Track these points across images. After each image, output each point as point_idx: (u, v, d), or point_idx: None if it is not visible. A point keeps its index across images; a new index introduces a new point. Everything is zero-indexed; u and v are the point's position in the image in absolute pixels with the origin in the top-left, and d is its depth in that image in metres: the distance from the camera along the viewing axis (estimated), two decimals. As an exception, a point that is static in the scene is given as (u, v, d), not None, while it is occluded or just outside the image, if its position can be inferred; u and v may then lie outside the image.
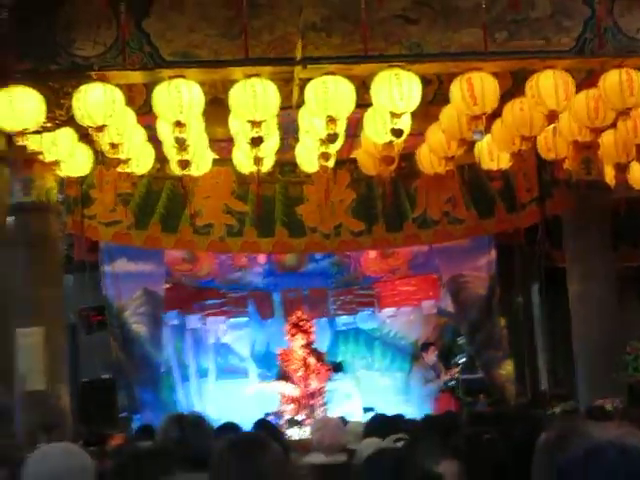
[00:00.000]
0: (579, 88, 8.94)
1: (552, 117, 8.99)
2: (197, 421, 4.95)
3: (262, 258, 15.24)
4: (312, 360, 15.14)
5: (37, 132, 8.58)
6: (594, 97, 9.02)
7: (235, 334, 15.94)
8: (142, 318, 14.21)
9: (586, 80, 9.11)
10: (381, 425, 7.23)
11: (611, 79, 8.71)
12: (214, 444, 4.48)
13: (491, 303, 14.89)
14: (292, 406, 14.82)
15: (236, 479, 3.13)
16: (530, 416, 7.90)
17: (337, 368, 15.59)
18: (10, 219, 9.80)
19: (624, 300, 14.15)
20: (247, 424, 8.23)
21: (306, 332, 15.20)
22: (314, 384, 14.98)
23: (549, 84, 8.69)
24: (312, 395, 14.98)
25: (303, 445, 8.52)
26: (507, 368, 15.01)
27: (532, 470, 3.59)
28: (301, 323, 15.19)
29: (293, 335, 15.15)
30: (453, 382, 15.51)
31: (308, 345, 15.21)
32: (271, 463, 3.75)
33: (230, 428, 7.41)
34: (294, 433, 13.28)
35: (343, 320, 16.16)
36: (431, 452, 4.50)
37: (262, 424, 9.70)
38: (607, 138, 9.87)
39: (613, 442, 1.55)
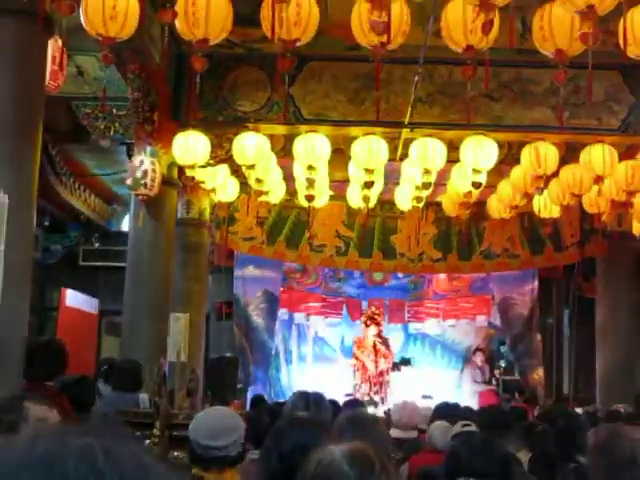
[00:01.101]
0: (620, 159, 8.84)
1: (598, 180, 8.91)
2: (319, 398, 5.04)
3: (357, 273, 15.29)
4: (381, 347, 15.28)
5: (202, 167, 8.67)
6: (632, 167, 8.92)
7: (330, 330, 16.03)
8: (261, 312, 14.34)
9: (626, 153, 9.02)
10: (447, 411, 7.23)
11: (647, 153, 8.69)
12: (335, 417, 4.59)
13: (531, 322, 14.73)
14: (366, 385, 14.94)
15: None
16: (568, 413, 7.89)
17: (406, 362, 15.63)
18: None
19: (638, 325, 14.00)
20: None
21: (378, 323, 15.44)
22: (382, 365, 15.09)
23: (598, 155, 8.65)
24: (381, 374, 15.07)
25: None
26: (539, 374, 14.83)
27: (587, 463, 3.60)
28: (374, 316, 15.35)
29: (367, 326, 15.35)
30: (494, 381, 15.45)
31: (379, 334, 15.40)
32: (380, 435, 3.85)
33: (337, 405, 7.53)
34: (371, 411, 13.26)
35: (414, 326, 16.16)
36: (513, 441, 4.50)
37: (355, 403, 9.77)
38: (638, 199, 9.76)
39: None
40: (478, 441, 3.42)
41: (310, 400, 4.85)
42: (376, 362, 15.19)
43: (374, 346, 15.27)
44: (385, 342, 15.48)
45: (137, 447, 0.90)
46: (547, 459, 4.75)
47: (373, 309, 15.52)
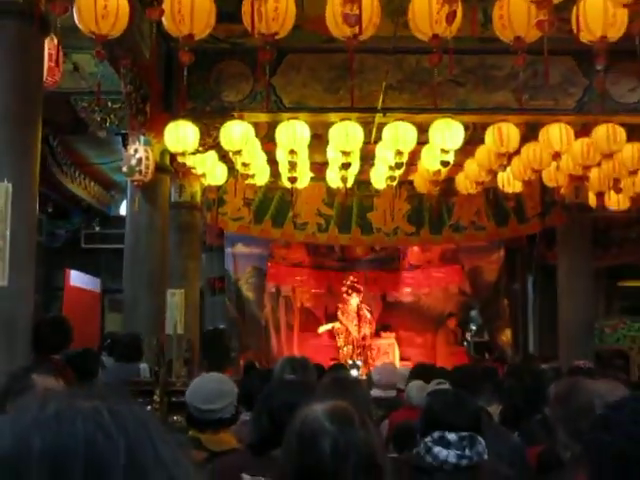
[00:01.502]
0: (577, 136, 8.85)
1: (556, 157, 8.92)
2: (304, 363, 5.05)
3: (337, 247, 15.32)
4: (367, 313, 15.34)
5: (192, 153, 8.64)
6: (587, 143, 8.91)
7: (315, 301, 16.05)
8: (250, 286, 14.38)
9: (582, 131, 9.02)
10: (423, 371, 7.26)
11: (601, 131, 8.60)
12: (319, 380, 4.61)
13: (499, 288, 14.86)
14: (349, 347, 15.00)
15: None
16: (534, 370, 7.95)
17: (385, 328, 15.68)
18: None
19: (597, 289, 14.09)
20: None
21: (359, 291, 15.42)
22: (365, 330, 15.15)
23: (556, 133, 8.65)
24: (364, 338, 15.13)
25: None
26: (507, 335, 14.95)
27: (549, 414, 3.61)
28: (354, 284, 15.39)
29: (349, 294, 15.36)
30: (466, 343, 15.53)
31: (362, 302, 15.43)
32: (362, 394, 3.86)
33: (322, 369, 7.56)
34: (354, 374, 13.32)
35: (391, 295, 16.23)
36: (485, 396, 4.52)
37: (338, 367, 9.80)
38: (593, 173, 9.78)
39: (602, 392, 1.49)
40: (450, 397, 3.43)
41: (296, 365, 4.87)
42: (359, 327, 15.25)
43: (358, 312, 15.32)
44: (369, 310, 15.56)
45: (137, 407, 0.92)
46: (515, 412, 4.80)
47: (352, 279, 15.55)
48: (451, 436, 3.14)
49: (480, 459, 3.14)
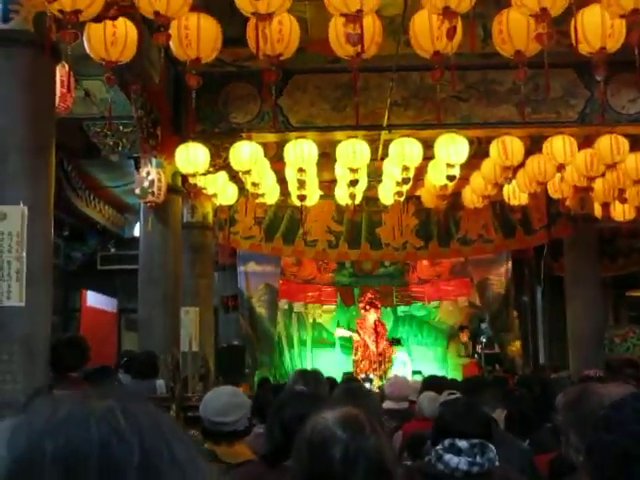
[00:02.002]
0: (580, 148, 8.83)
1: (560, 168, 8.91)
2: (316, 376, 5.04)
3: (347, 263, 15.30)
4: (380, 329, 15.31)
5: (203, 174, 8.68)
6: (590, 155, 8.91)
7: (326, 316, 16.05)
8: (263, 304, 14.38)
9: (585, 142, 9.01)
10: (434, 383, 7.24)
11: (604, 142, 8.60)
12: (331, 392, 4.60)
13: (508, 299, 14.78)
14: (365, 362, 14.95)
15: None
16: (543, 380, 7.92)
17: (397, 342, 15.66)
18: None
19: (605, 299, 14.03)
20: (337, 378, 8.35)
21: (377, 307, 15.44)
22: (382, 346, 15.11)
23: (559, 145, 8.65)
24: (380, 354, 15.08)
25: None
26: (516, 346, 14.87)
27: (560, 421, 3.59)
28: (373, 301, 15.39)
29: (367, 310, 15.36)
30: (476, 355, 15.48)
31: (378, 318, 15.40)
32: (373, 404, 3.85)
33: (334, 381, 7.55)
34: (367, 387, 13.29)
35: (402, 309, 16.20)
36: (489, 403, 4.51)
37: (352, 378, 9.78)
38: (598, 184, 9.76)
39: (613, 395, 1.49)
40: (461, 405, 3.43)
41: (308, 377, 4.90)
42: (377, 342, 15.22)
43: (375, 328, 15.31)
44: (382, 325, 15.55)
45: (152, 407, 0.90)
46: (525, 421, 4.78)
47: (369, 295, 15.55)
48: (462, 443, 3.13)
49: (492, 466, 3.12)
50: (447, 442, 3.16)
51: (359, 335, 15.38)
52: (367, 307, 15.42)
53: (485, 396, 4.73)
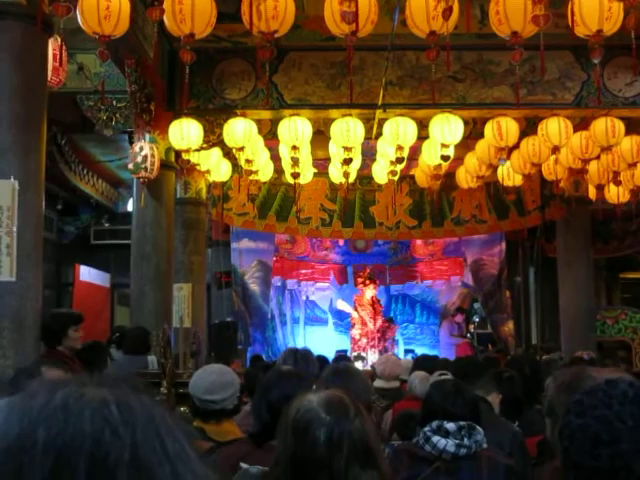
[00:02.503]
0: (575, 130, 8.81)
1: (555, 150, 8.88)
2: (307, 354, 5.04)
3: (341, 242, 15.33)
4: (377, 306, 15.32)
5: (197, 150, 8.64)
6: (586, 137, 8.89)
7: (319, 294, 16.11)
8: (256, 280, 14.39)
9: (580, 124, 8.99)
10: (425, 362, 7.26)
11: (599, 125, 8.56)
12: (322, 370, 4.60)
13: (500, 280, 14.82)
14: (363, 339, 14.96)
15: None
16: (534, 360, 7.94)
17: (390, 321, 15.69)
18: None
19: (597, 281, 14.08)
20: (328, 357, 8.37)
21: (375, 283, 15.40)
22: (379, 322, 15.12)
23: (554, 127, 8.61)
24: (378, 331, 15.11)
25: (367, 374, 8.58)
26: (509, 326, 14.93)
27: (550, 404, 3.59)
28: (372, 276, 15.41)
29: (366, 285, 15.31)
30: (469, 335, 15.54)
31: (374, 295, 15.41)
32: (362, 384, 3.85)
33: (325, 360, 7.56)
34: (359, 365, 13.32)
35: (395, 288, 16.24)
36: (484, 386, 4.51)
37: (343, 357, 9.80)
38: (592, 166, 9.76)
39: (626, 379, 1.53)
40: (449, 387, 3.44)
41: (299, 356, 4.88)
42: (374, 319, 15.21)
43: (372, 304, 15.29)
44: (379, 302, 15.54)
45: (148, 400, 0.89)
46: (515, 402, 4.79)
47: (368, 271, 15.52)
48: (450, 425, 3.14)
49: (479, 448, 3.14)
50: (435, 424, 3.17)
51: (357, 312, 15.37)
52: (366, 282, 15.38)
53: (481, 380, 4.72)
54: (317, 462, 1.95)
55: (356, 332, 15.13)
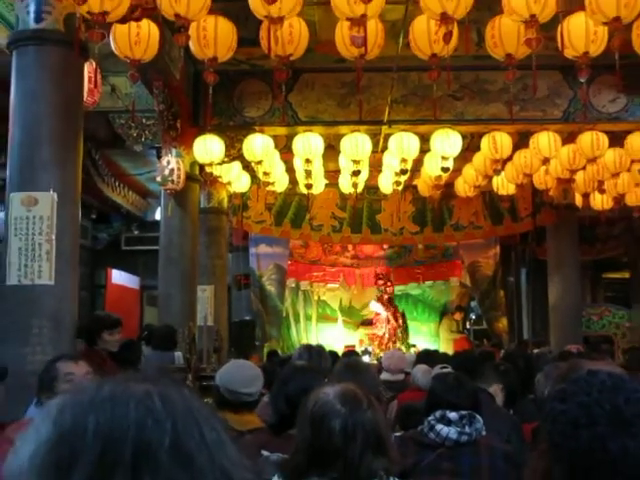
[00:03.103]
0: (564, 143, 8.79)
1: (545, 162, 8.89)
2: (320, 350, 5.03)
3: (350, 247, 15.26)
4: (394, 304, 15.25)
5: (219, 164, 8.65)
6: (573, 150, 8.84)
7: (330, 294, 16.02)
8: (272, 282, 14.32)
9: (568, 138, 8.94)
10: (427, 356, 7.23)
11: (585, 138, 8.54)
12: (334, 365, 4.58)
13: (495, 280, 14.74)
14: (376, 342, 14.87)
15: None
16: (526, 354, 7.91)
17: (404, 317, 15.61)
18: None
19: (583, 281, 14.01)
20: (338, 351, 8.34)
21: (392, 284, 15.33)
22: (400, 319, 15.07)
23: (545, 140, 8.59)
24: (400, 326, 15.00)
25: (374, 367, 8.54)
26: (503, 323, 14.85)
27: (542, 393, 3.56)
28: (391, 279, 15.35)
29: (387, 285, 15.17)
30: (467, 331, 15.50)
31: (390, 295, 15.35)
32: (371, 377, 3.83)
33: (336, 355, 7.54)
34: (366, 359, 13.27)
35: (399, 288, 16.13)
36: (486, 379, 4.48)
37: (351, 353, 9.77)
38: (579, 176, 9.72)
39: (605, 370, 1.57)
40: (451, 379, 3.42)
41: (313, 351, 4.88)
42: (395, 316, 15.02)
43: (390, 303, 15.19)
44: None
45: (187, 393, 0.90)
46: (509, 393, 4.75)
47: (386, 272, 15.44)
48: (452, 415, 3.12)
49: (478, 435, 3.12)
50: (438, 413, 3.15)
51: (384, 310, 15.18)
52: (387, 283, 15.26)
53: (483, 373, 4.69)
54: (333, 451, 1.95)
55: (383, 329, 15.03)
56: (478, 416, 3.15)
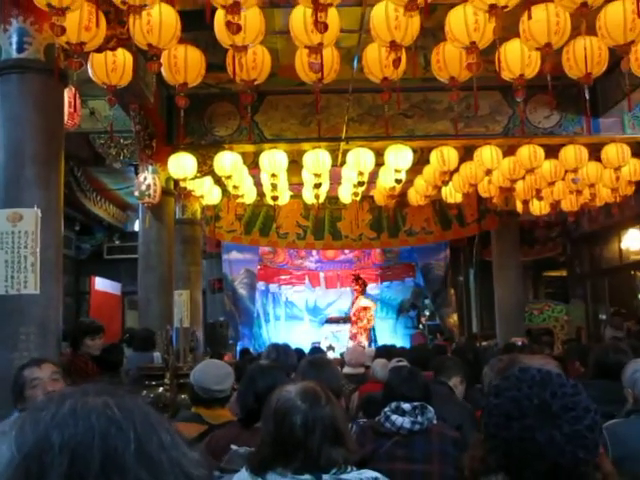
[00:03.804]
0: (504, 155, 8.86)
1: (488, 173, 8.94)
2: (286, 348, 5.02)
3: (314, 251, 15.27)
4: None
5: (192, 179, 8.57)
6: (513, 161, 8.93)
7: (297, 295, 16.04)
8: (244, 286, 14.34)
9: (508, 151, 9.03)
10: (385, 351, 7.26)
11: (523, 151, 8.64)
12: (299, 361, 4.58)
13: (446, 280, 14.88)
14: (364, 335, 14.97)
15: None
16: (474, 348, 7.97)
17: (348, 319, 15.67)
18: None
19: (525, 279, 14.18)
20: (304, 348, 8.34)
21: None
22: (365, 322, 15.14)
23: (487, 153, 8.66)
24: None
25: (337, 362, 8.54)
26: (454, 318, 14.99)
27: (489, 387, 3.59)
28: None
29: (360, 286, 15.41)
30: (421, 326, 15.56)
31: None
32: (333, 373, 3.83)
33: (302, 352, 7.52)
34: (330, 354, 13.28)
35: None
36: (446, 372, 4.50)
37: (317, 349, 9.75)
38: (519, 185, 9.82)
39: (535, 366, 1.61)
40: (405, 373, 3.43)
41: (280, 349, 4.87)
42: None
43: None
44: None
45: (141, 401, 0.89)
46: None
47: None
48: (406, 406, 3.14)
49: (430, 424, 3.13)
50: (394, 405, 3.16)
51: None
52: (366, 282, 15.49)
53: (444, 366, 4.70)
54: (295, 443, 1.95)
55: (371, 323, 15.22)
56: (429, 407, 3.17)
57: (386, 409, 3.16)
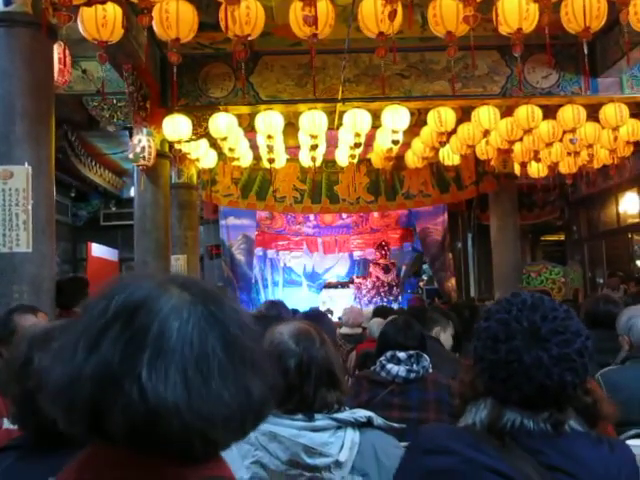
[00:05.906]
0: (502, 116, 8.78)
1: (486, 134, 8.89)
2: (281, 302, 5.02)
3: (312, 217, 15.23)
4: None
5: (187, 141, 8.51)
6: (511, 122, 8.85)
7: (295, 261, 16.01)
8: (242, 251, 14.28)
9: (506, 112, 8.96)
10: (382, 311, 7.26)
11: (521, 111, 8.56)
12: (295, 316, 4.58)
13: (444, 244, 14.84)
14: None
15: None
16: (471, 305, 7.97)
17: (352, 281, 15.67)
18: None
19: (523, 243, 14.17)
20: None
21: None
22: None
23: (485, 114, 8.57)
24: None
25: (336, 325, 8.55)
26: (452, 282, 14.98)
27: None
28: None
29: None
30: (419, 290, 15.60)
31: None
32: (329, 326, 3.82)
33: (298, 311, 7.53)
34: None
35: (357, 254, 16.20)
36: (437, 331, 4.51)
37: (315, 309, 9.76)
38: (517, 147, 9.77)
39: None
40: (400, 322, 3.42)
41: (275, 304, 4.86)
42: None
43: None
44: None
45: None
46: (456, 338, 4.79)
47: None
48: (401, 354, 3.12)
49: (425, 372, 3.12)
50: (389, 354, 3.14)
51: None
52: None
53: (425, 319, 4.71)
54: (290, 386, 1.92)
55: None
56: (425, 355, 3.15)
57: (381, 358, 3.14)
